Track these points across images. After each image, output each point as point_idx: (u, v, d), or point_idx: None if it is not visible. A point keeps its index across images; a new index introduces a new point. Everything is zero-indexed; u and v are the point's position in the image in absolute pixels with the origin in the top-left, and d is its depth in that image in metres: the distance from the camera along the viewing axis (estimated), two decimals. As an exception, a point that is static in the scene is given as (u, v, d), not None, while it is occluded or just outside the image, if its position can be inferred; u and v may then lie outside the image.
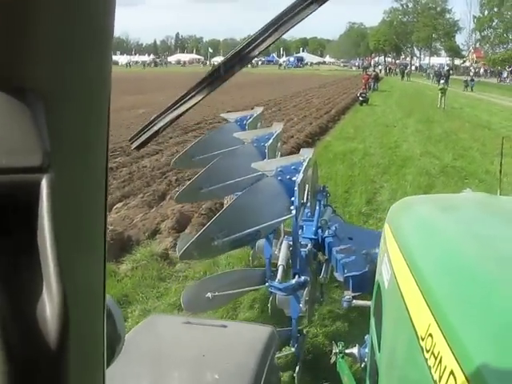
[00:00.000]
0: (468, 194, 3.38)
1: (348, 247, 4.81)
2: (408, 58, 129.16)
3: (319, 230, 5.09)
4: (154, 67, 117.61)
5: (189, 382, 1.95)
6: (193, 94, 0.75)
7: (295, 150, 14.59)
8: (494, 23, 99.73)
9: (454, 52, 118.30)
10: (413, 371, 1.73)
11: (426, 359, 1.47)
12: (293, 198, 4.30)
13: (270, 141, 5.35)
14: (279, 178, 4.42)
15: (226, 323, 2.49)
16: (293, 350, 4.35)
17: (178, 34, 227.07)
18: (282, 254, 4.37)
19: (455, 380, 1.25)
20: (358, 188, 10.92)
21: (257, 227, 4.13)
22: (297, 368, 4.34)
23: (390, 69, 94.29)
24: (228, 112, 25.08)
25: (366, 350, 3.37)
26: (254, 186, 4.51)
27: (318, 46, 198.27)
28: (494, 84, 69.03)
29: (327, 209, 5.56)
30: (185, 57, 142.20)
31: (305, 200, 4.58)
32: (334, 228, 5.10)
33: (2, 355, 0.37)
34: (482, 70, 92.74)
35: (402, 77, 73.08)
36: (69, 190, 0.50)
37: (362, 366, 3.60)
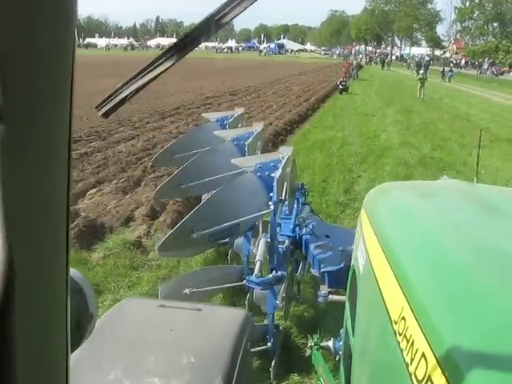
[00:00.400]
0: (445, 182, 3.38)
1: (325, 244, 4.88)
2: (389, 48, 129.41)
3: (297, 228, 5.16)
4: (131, 51, 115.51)
5: (164, 366, 1.92)
6: (161, 60, 0.74)
7: (273, 138, 14.52)
8: (474, 15, 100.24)
9: (435, 43, 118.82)
10: (385, 354, 1.74)
11: (399, 342, 1.48)
12: (271, 194, 4.35)
13: (250, 139, 5.42)
14: (258, 174, 4.50)
15: (201, 306, 2.42)
16: (269, 344, 4.28)
17: (158, 17, 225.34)
18: (259, 250, 4.38)
19: (426, 362, 1.26)
20: (336, 177, 10.82)
21: (236, 221, 4.18)
22: (272, 362, 4.28)
23: (370, 58, 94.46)
24: (207, 97, 24.89)
25: (341, 343, 3.39)
26: (233, 181, 4.55)
27: (299, 33, 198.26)
28: (474, 76, 69.48)
29: (305, 207, 5.58)
30: (165, 41, 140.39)
31: (283, 197, 4.64)
32: (311, 226, 5.15)
33: None
34: (462, 62, 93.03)
35: (383, 66, 73.18)
36: (27, 151, 0.50)
37: (337, 358, 3.64)
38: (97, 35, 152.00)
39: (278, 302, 4.32)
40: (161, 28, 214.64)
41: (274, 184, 4.32)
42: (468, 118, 23.23)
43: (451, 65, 74.74)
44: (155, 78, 0.75)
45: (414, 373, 1.31)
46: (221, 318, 2.31)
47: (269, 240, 4.46)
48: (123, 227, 7.52)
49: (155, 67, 0.74)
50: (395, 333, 1.54)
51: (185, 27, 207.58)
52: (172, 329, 2.16)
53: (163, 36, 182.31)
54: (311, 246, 4.88)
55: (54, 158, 0.55)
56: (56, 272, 0.58)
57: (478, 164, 4.76)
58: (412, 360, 1.35)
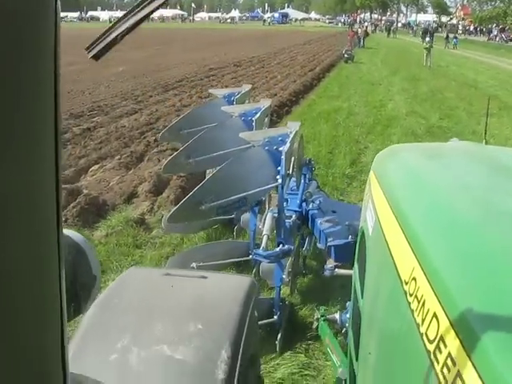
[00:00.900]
0: (454, 143, 3.34)
1: (331, 218, 4.87)
2: (394, 15, 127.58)
3: (303, 203, 5.17)
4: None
5: (172, 333, 1.92)
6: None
7: (278, 109, 14.29)
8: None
9: (441, 9, 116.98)
10: (395, 315, 1.73)
11: (409, 303, 1.47)
12: (279, 168, 4.36)
13: (258, 114, 5.41)
14: (266, 148, 4.50)
15: (206, 274, 2.41)
16: (275, 318, 4.29)
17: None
18: (266, 224, 4.43)
19: (438, 323, 1.25)
20: (342, 149, 10.61)
21: (244, 194, 4.19)
22: (278, 336, 4.27)
23: (376, 26, 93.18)
24: (210, 69, 24.61)
25: (348, 316, 3.43)
26: (241, 155, 4.57)
27: (303, 1, 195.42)
28: (482, 42, 68.37)
29: (312, 182, 5.60)
30: (168, 12, 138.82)
31: (290, 171, 4.62)
32: (318, 201, 5.17)
33: None
34: (471, 28, 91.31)
35: (388, 34, 72.15)
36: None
37: (343, 331, 3.71)
38: (99, 8, 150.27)
39: (284, 276, 4.31)
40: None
41: (283, 157, 4.33)
42: (476, 85, 22.84)
43: (459, 31, 73.48)
44: (146, 17, 0.72)
45: (426, 333, 1.30)
46: (227, 285, 2.32)
47: (275, 215, 4.45)
48: (126, 204, 7.40)
49: (145, 7, 0.72)
50: (406, 293, 1.52)
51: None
52: (178, 297, 2.16)
53: (166, 8, 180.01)
54: (318, 221, 4.86)
55: (39, 150, 0.54)
56: (44, 232, 0.57)
57: (486, 125, 4.66)
58: (423, 320, 1.33)
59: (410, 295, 1.48)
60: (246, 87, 6.77)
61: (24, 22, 0.49)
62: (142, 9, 0.72)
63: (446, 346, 1.18)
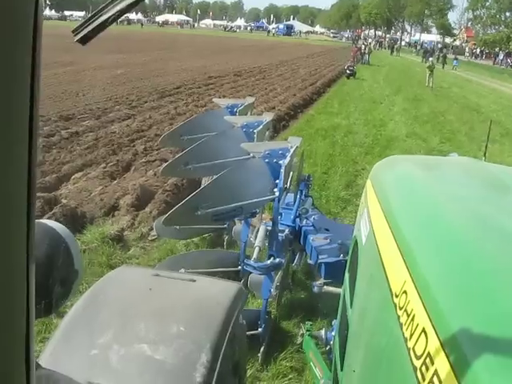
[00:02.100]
0: (453, 158, 3.38)
1: (324, 236, 4.94)
2: (398, 33, 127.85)
3: (297, 219, 5.21)
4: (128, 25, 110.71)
5: (154, 333, 1.91)
6: None
7: (275, 123, 13.85)
8: (487, 3, 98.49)
9: (446, 30, 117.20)
10: (384, 327, 1.71)
11: (399, 316, 1.46)
12: (277, 181, 4.38)
13: (260, 127, 5.47)
14: (266, 160, 4.51)
15: (196, 277, 2.39)
16: (260, 330, 4.28)
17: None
18: (259, 236, 4.42)
19: (426, 338, 1.24)
20: (338, 169, 10.20)
21: (241, 203, 4.18)
22: (261, 348, 4.28)
23: (380, 43, 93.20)
24: (210, 77, 24.22)
25: (333, 334, 3.49)
26: (241, 164, 4.60)
27: (309, 14, 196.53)
28: (486, 66, 68.16)
29: (308, 199, 5.61)
30: (173, 17, 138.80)
31: (288, 185, 4.70)
32: (312, 218, 5.25)
33: None
34: (477, 51, 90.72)
35: (392, 51, 72.05)
36: None
37: (327, 348, 3.70)
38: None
39: (272, 289, 4.30)
40: (170, 4, 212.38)
41: (282, 170, 4.35)
42: (478, 109, 22.54)
43: (466, 54, 73.19)
44: (139, 1, 0.69)
45: (413, 348, 1.28)
46: (214, 290, 2.31)
47: (268, 227, 4.46)
48: (105, 218, 6.94)
49: None
50: (396, 306, 1.51)
51: (194, 4, 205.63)
52: (165, 297, 2.16)
53: (171, 12, 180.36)
54: (310, 237, 4.91)
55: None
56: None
57: (487, 141, 4.69)
58: (412, 335, 1.32)
59: (400, 308, 1.47)
60: (250, 100, 6.77)
61: (1, 16, 0.47)
62: None
63: (432, 362, 1.16)
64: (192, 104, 16.31)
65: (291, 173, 4.69)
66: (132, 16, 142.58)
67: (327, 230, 5.11)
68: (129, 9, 0.67)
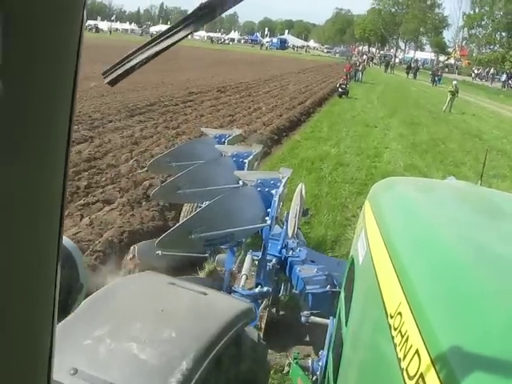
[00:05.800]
0: (450, 181, 3.51)
1: (310, 267, 4.91)
2: (392, 50, 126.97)
3: (283, 250, 5.18)
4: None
5: (146, 335, 1.99)
6: (177, 29, 0.71)
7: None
8: (483, 22, 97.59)
9: (440, 48, 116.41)
10: (378, 347, 1.74)
11: (393, 337, 1.47)
12: (269, 210, 4.56)
13: (251, 157, 5.85)
14: (258, 188, 4.72)
15: (208, 291, 2.43)
16: None
17: (162, 4, 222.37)
18: (245, 264, 4.71)
19: (419, 359, 1.24)
20: (324, 218, 8.29)
21: (232, 229, 4.19)
22: None
23: (372, 59, 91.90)
24: (190, 93, 22.28)
25: (320, 364, 3.62)
26: (235, 191, 4.79)
27: (303, 29, 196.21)
28: (482, 86, 66.71)
29: (298, 231, 5.58)
30: (163, 28, 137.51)
31: (278, 215, 4.87)
32: (298, 250, 5.25)
33: None
34: (476, 71, 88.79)
35: (386, 69, 70.46)
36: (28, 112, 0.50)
37: (314, 379, 3.71)
38: (99, 18, 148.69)
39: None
40: (164, 15, 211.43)
41: (276, 199, 4.53)
42: (480, 135, 20.81)
43: (472, 74, 72.72)
44: (169, 47, 0.71)
45: (406, 369, 1.29)
46: (221, 305, 2.38)
47: (255, 257, 4.75)
48: None
49: (167, 37, 0.72)
50: (390, 327, 1.52)
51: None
52: (170, 304, 2.25)
53: (166, 23, 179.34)
54: (297, 268, 4.91)
55: (51, 152, 0.54)
56: (46, 240, 0.57)
57: (484, 166, 4.81)
58: (405, 356, 1.33)
59: (395, 329, 1.48)
60: (237, 131, 7.28)
61: (50, 24, 0.49)
62: (164, 39, 0.71)
63: (424, 383, 1.18)
64: (162, 125, 14.39)
65: (280, 203, 4.81)
66: (126, 26, 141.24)
67: (313, 261, 5.11)
68: (156, 55, 0.69)
